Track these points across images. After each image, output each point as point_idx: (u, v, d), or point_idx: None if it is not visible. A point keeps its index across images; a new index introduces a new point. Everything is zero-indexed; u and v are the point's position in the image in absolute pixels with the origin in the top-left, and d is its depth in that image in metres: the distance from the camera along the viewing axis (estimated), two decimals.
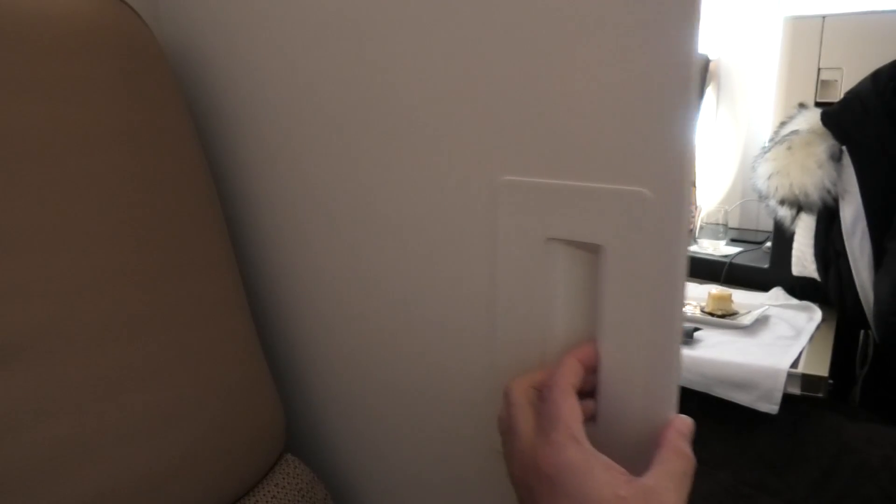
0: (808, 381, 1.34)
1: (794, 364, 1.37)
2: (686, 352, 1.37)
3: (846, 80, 1.63)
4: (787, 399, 1.35)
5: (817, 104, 1.68)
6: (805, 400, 1.36)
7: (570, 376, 0.40)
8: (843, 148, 1.57)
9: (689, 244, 1.91)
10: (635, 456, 0.40)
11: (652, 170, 0.39)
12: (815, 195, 1.56)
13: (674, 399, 0.42)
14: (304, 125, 0.54)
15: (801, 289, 1.71)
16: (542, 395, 0.41)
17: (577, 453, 0.37)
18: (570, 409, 0.38)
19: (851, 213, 1.56)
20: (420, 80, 0.46)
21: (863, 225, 1.55)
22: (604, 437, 0.42)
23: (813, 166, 1.56)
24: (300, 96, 0.53)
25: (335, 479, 0.64)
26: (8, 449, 0.40)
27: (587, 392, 0.44)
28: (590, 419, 0.44)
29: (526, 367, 0.45)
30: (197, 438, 0.49)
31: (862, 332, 1.61)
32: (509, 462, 0.41)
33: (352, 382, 0.59)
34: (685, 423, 0.41)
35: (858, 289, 1.58)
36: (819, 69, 1.68)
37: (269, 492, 0.55)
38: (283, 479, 0.57)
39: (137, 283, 0.47)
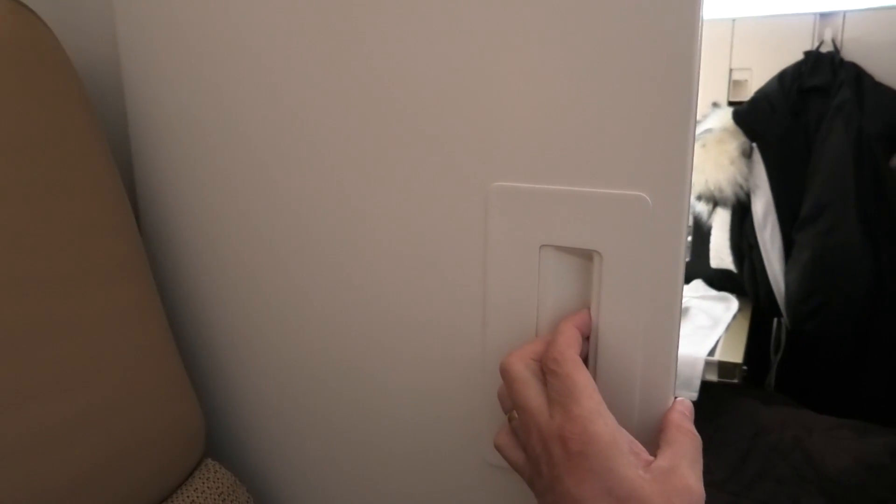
0: (723, 367, 1.41)
1: (712, 352, 1.43)
2: None
3: (756, 80, 1.71)
4: (707, 386, 1.41)
5: (730, 103, 1.75)
6: (724, 386, 1.43)
7: (574, 346, 0.39)
8: (754, 145, 1.65)
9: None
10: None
11: (651, 174, 0.37)
12: (728, 190, 1.64)
13: (670, 395, 0.41)
14: (257, 131, 0.50)
15: (719, 280, 1.79)
16: (546, 368, 0.38)
17: (604, 428, 0.35)
18: (586, 381, 0.36)
19: (762, 206, 1.64)
20: (407, 79, 0.44)
21: (773, 218, 1.63)
22: None
23: (726, 163, 1.63)
24: (249, 99, 0.49)
25: (258, 481, 0.63)
26: None
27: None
28: None
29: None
30: (110, 447, 0.48)
31: (775, 319, 1.70)
32: (525, 437, 0.39)
33: (277, 386, 0.58)
34: (686, 405, 0.41)
35: (770, 279, 1.66)
36: (731, 69, 1.75)
37: (188, 496, 0.55)
38: (203, 483, 0.56)
39: (43, 290, 0.46)
